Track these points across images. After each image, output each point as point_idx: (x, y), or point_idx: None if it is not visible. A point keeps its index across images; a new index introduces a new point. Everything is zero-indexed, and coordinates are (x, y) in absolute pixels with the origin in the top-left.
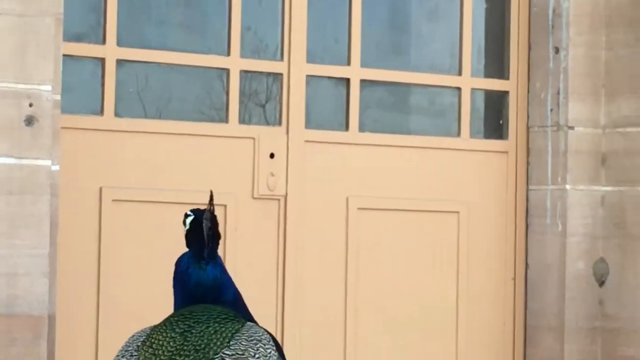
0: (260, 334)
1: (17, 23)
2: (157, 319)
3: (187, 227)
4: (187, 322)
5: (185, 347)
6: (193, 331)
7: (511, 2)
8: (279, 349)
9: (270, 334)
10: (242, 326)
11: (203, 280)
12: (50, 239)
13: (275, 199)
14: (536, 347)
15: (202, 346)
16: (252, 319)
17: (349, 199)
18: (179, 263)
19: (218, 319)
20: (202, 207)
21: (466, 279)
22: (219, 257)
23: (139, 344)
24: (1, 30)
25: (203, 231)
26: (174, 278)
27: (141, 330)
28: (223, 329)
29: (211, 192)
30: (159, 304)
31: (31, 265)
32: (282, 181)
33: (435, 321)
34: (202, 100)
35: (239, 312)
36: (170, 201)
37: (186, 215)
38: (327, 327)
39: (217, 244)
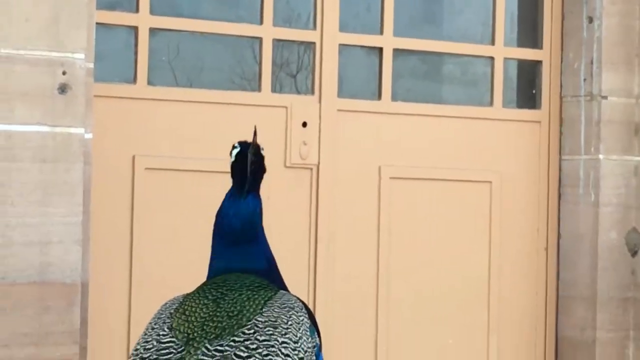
0: (293, 301)
1: None
2: (189, 287)
3: (233, 159)
4: (219, 290)
5: (217, 314)
6: (226, 298)
7: None
8: (311, 316)
9: (303, 302)
10: (275, 294)
11: (242, 210)
12: (83, 207)
13: (308, 168)
14: (568, 316)
15: (235, 313)
16: (285, 288)
17: (381, 169)
18: (223, 201)
19: (251, 287)
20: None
21: (498, 249)
22: (260, 201)
23: (172, 311)
24: None
25: (247, 163)
26: (215, 218)
27: (174, 298)
28: (256, 296)
29: (255, 127)
30: (191, 271)
31: (64, 233)
32: (314, 150)
33: (467, 291)
34: (234, 69)
35: (273, 281)
36: (202, 169)
37: (233, 147)
38: (358, 297)
39: (261, 178)
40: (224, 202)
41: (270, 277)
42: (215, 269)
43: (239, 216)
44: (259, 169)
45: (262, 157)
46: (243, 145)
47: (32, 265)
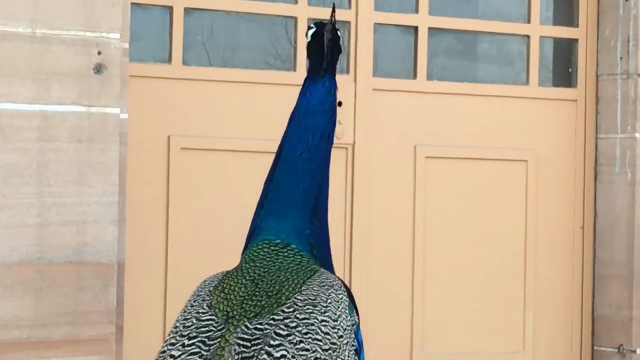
0: (332, 279)
1: None
2: (225, 266)
3: (308, 39)
4: (257, 271)
5: (257, 293)
6: (264, 279)
7: None
8: (350, 296)
9: (343, 281)
10: (314, 273)
11: (318, 90)
12: (119, 187)
13: (343, 147)
14: (604, 295)
15: (274, 292)
16: (330, 266)
17: (417, 148)
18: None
19: (289, 269)
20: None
21: (535, 228)
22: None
23: (211, 288)
24: None
25: (324, 43)
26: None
27: (213, 275)
28: (294, 276)
29: (333, 4)
30: (227, 250)
31: (100, 213)
32: (349, 129)
33: (504, 270)
34: (269, 48)
35: (320, 256)
36: (237, 149)
37: (308, 28)
38: (395, 276)
39: (337, 59)
40: (302, 87)
41: (315, 252)
42: (260, 229)
43: (315, 96)
44: (336, 48)
45: (338, 37)
46: (319, 25)
47: (68, 245)
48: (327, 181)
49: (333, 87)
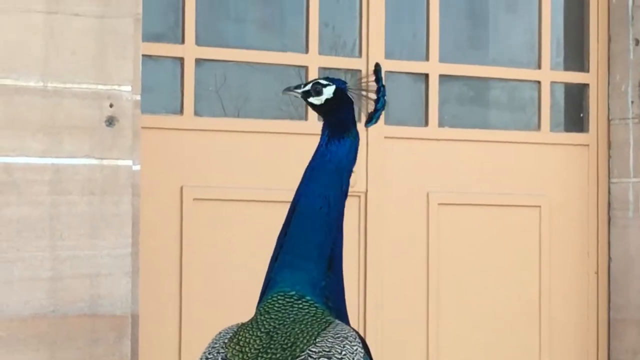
0: (347, 331)
1: (97, 24)
2: (240, 318)
3: (328, 96)
4: (272, 323)
5: (272, 346)
6: (279, 331)
7: None
8: (365, 347)
9: (358, 333)
10: (329, 325)
11: (352, 151)
12: (132, 239)
13: (356, 195)
14: (620, 340)
15: (289, 345)
16: (345, 317)
17: (430, 195)
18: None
19: (304, 321)
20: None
21: (549, 273)
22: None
23: (226, 340)
24: (81, 31)
25: (348, 100)
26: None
27: (228, 327)
28: (309, 328)
29: (377, 64)
30: (241, 302)
31: (114, 265)
32: (362, 177)
33: (518, 316)
34: (280, 98)
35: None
36: (250, 199)
37: (320, 84)
38: (409, 323)
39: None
40: (329, 143)
41: (330, 303)
42: (275, 282)
43: (340, 152)
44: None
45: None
46: (338, 82)
47: (82, 297)
48: (342, 233)
49: (358, 143)
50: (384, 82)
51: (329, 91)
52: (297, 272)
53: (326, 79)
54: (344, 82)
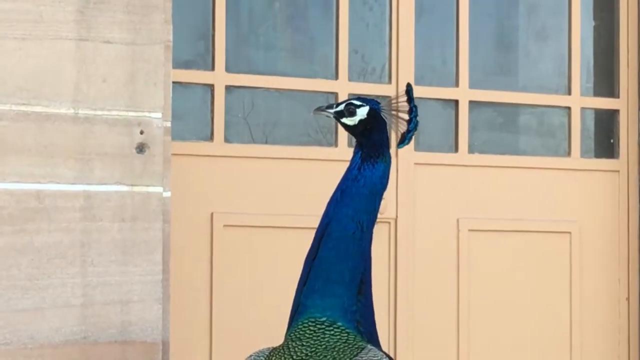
0: (380, 357)
1: (127, 52)
2: (270, 344)
3: (362, 117)
4: (304, 351)
5: None
6: (311, 359)
7: (620, 19)
8: None
9: (390, 357)
10: (361, 350)
11: (386, 175)
12: (162, 265)
13: (386, 222)
14: None
15: None
16: (376, 341)
17: (460, 221)
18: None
19: (336, 348)
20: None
21: (579, 300)
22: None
23: None
24: (112, 59)
25: (378, 122)
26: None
27: (259, 351)
28: (341, 355)
29: (409, 84)
30: (271, 328)
31: (144, 292)
32: (392, 204)
33: (549, 342)
34: (309, 124)
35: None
36: (280, 226)
37: (354, 106)
38: (439, 350)
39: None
40: (361, 168)
41: (362, 328)
42: (305, 307)
43: (374, 177)
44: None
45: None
46: (372, 102)
47: (113, 324)
48: (371, 257)
49: (390, 167)
50: (415, 103)
51: (362, 112)
52: (328, 298)
53: (359, 99)
54: (378, 103)
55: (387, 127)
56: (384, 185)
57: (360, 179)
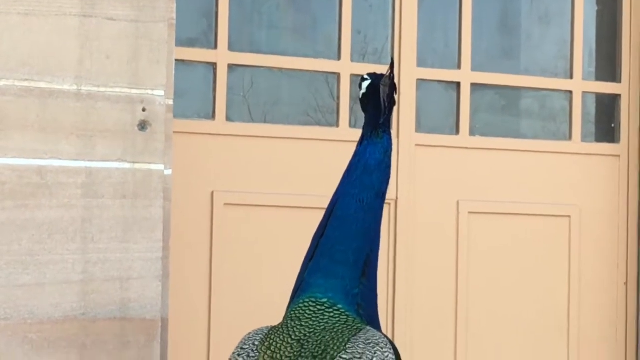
0: (378, 337)
1: (131, 29)
2: (269, 323)
3: (363, 90)
4: (303, 331)
5: (303, 354)
6: (310, 339)
7: (623, 4)
8: (396, 353)
9: (389, 339)
10: (360, 331)
11: (377, 150)
12: (163, 243)
13: (386, 203)
14: None
15: (320, 352)
16: (377, 324)
17: (460, 203)
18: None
19: (334, 329)
20: (380, 73)
21: (578, 283)
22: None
23: (257, 343)
24: (115, 36)
25: (380, 96)
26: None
27: (258, 330)
28: (340, 335)
29: (392, 59)
30: (270, 307)
31: (144, 269)
32: (392, 185)
33: (547, 326)
34: (309, 104)
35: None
36: (281, 205)
37: (363, 79)
38: (438, 332)
39: (391, 111)
40: (360, 145)
41: (362, 311)
42: (308, 285)
43: (375, 157)
44: (391, 101)
45: (395, 88)
46: (373, 77)
47: (113, 300)
48: (379, 240)
49: (390, 145)
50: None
51: (364, 86)
52: (331, 279)
53: (370, 74)
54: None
55: (385, 104)
56: (377, 162)
57: (356, 155)
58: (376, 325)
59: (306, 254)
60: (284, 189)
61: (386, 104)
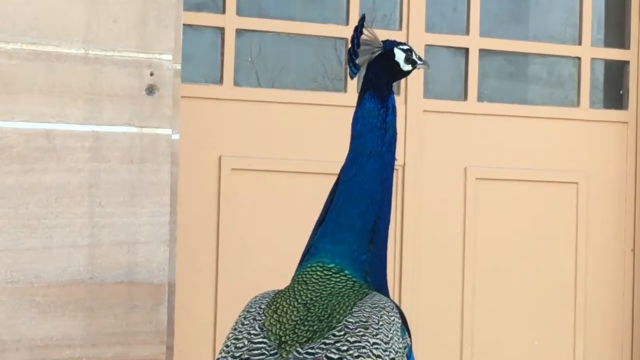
0: (384, 301)
1: None
2: (275, 287)
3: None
4: (310, 295)
5: (309, 318)
6: (316, 304)
7: None
8: (403, 318)
9: (395, 303)
10: (366, 295)
11: (358, 111)
12: (170, 207)
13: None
14: None
15: (326, 316)
16: (385, 289)
17: (467, 169)
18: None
19: (341, 293)
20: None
21: (585, 249)
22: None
23: (263, 306)
24: (123, 0)
25: (374, 63)
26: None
27: (264, 293)
28: (346, 299)
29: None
30: (277, 271)
31: (151, 233)
32: (400, 151)
33: (553, 292)
34: (316, 69)
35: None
36: (288, 170)
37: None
38: (444, 298)
39: (382, 77)
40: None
41: (369, 278)
42: (316, 249)
43: (356, 115)
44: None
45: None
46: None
47: (120, 265)
48: (388, 207)
49: (376, 106)
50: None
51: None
52: (338, 245)
53: (385, 41)
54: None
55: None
56: (362, 125)
57: (353, 120)
58: (385, 293)
59: (317, 218)
60: (292, 154)
61: (355, 46)
